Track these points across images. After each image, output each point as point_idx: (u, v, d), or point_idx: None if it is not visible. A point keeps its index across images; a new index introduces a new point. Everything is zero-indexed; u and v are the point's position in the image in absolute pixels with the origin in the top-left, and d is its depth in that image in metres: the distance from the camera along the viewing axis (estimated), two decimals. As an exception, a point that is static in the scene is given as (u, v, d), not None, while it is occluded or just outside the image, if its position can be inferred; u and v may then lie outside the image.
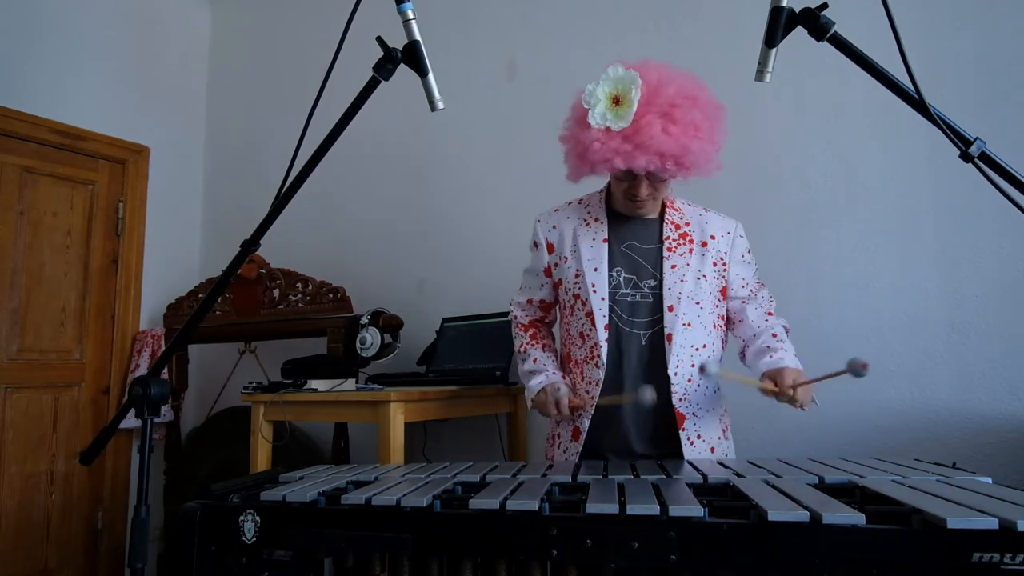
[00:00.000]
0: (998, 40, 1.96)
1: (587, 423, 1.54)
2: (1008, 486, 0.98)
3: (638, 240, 1.57)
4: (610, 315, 1.52)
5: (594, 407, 1.53)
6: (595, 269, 1.54)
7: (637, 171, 1.40)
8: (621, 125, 1.36)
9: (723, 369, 1.44)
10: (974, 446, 1.89)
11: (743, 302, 1.60)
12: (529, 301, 1.73)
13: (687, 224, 1.58)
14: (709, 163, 1.41)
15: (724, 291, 1.59)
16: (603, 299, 1.52)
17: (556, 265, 1.62)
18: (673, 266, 1.53)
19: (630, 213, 1.56)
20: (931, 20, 2.03)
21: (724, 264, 1.58)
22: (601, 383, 1.52)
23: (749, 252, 1.63)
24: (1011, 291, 1.90)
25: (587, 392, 1.54)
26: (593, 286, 1.53)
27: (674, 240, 1.56)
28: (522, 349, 1.69)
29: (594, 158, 1.39)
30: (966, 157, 0.91)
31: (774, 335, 1.54)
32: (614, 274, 1.54)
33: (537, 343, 1.69)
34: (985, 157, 0.91)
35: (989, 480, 1.05)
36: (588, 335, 1.54)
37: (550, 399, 1.53)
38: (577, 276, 1.56)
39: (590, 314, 1.53)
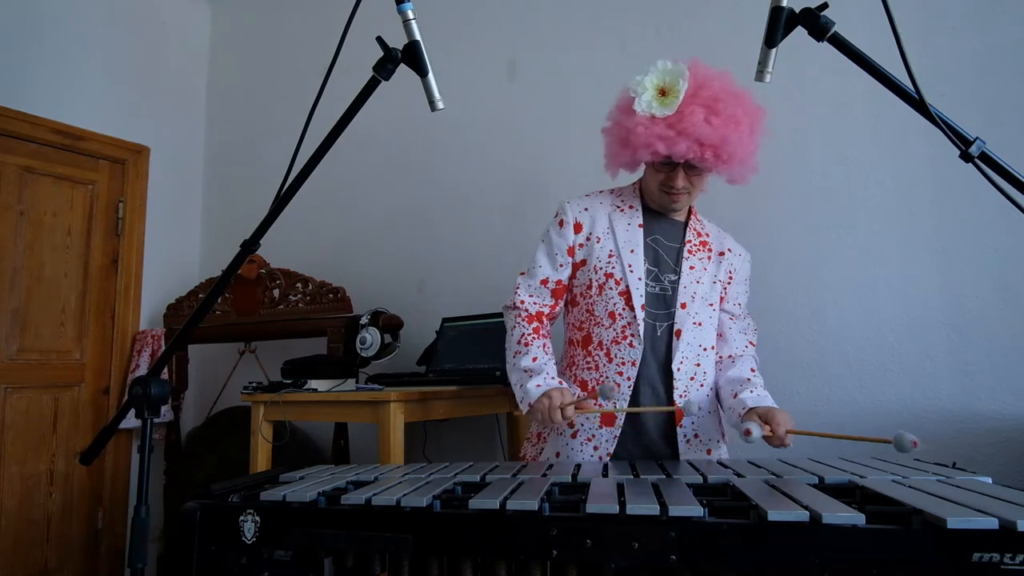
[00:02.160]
0: (998, 40, 1.96)
1: (624, 405, 1.51)
2: (1008, 486, 0.98)
3: (663, 236, 1.60)
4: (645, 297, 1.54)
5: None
6: (631, 251, 1.56)
7: (677, 158, 1.44)
8: (666, 113, 1.41)
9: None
10: (974, 446, 1.89)
11: (731, 318, 1.64)
12: (543, 282, 1.61)
13: (707, 235, 1.65)
14: (746, 160, 1.45)
15: (721, 300, 1.63)
16: (640, 279, 1.53)
17: (582, 245, 1.61)
18: (691, 267, 1.57)
19: (663, 208, 1.59)
20: (931, 20, 2.03)
21: (730, 278, 1.63)
22: (638, 362, 1.50)
23: (748, 281, 1.70)
24: (1011, 291, 1.90)
25: (619, 372, 1.51)
26: (630, 266, 1.54)
27: (695, 244, 1.61)
28: (522, 341, 1.56)
29: (637, 142, 1.44)
30: (966, 157, 0.91)
31: (752, 368, 1.60)
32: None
33: (539, 339, 1.57)
34: (985, 157, 0.91)
35: (989, 480, 1.05)
36: (621, 314, 1.53)
37: (555, 403, 1.41)
38: (611, 256, 1.56)
39: (625, 293, 1.53)
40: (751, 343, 1.65)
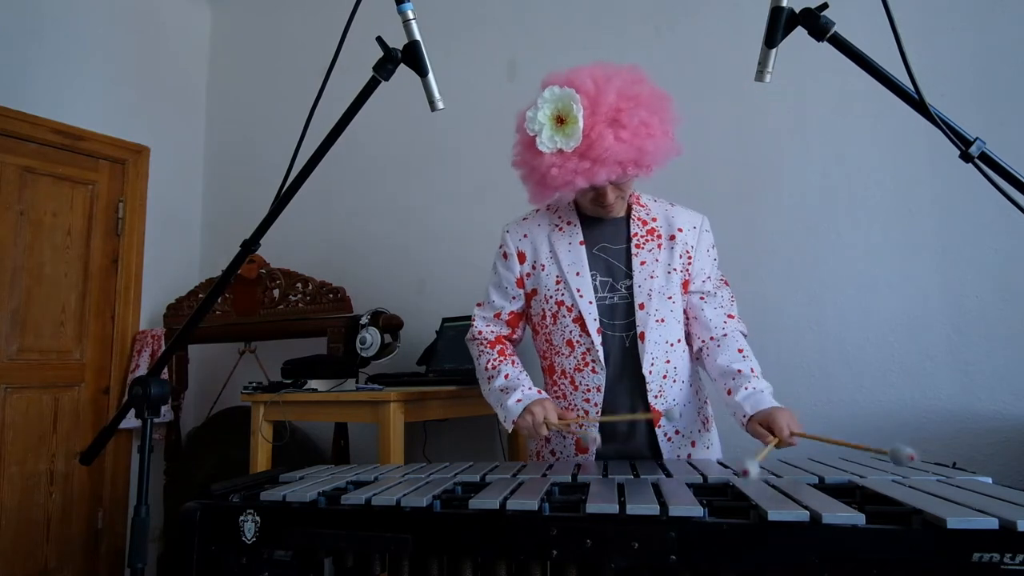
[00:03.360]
0: (998, 40, 1.96)
1: (595, 431, 1.46)
2: (1008, 486, 0.98)
3: (608, 241, 1.55)
4: (600, 318, 1.50)
5: (598, 426, 1.48)
6: (577, 273, 1.51)
7: (600, 185, 1.39)
8: (572, 144, 1.33)
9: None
10: (974, 446, 1.89)
11: (701, 298, 1.56)
12: (497, 315, 1.63)
13: (654, 220, 1.56)
14: (667, 154, 1.37)
15: (686, 284, 1.55)
16: (591, 303, 1.50)
17: (529, 275, 1.58)
18: (642, 263, 1.51)
19: (600, 216, 1.54)
20: (931, 20, 2.03)
21: (689, 257, 1.55)
22: (603, 387, 1.49)
23: (713, 247, 1.60)
24: (1011, 291, 1.90)
25: (586, 399, 1.51)
26: (579, 291, 1.50)
27: (642, 237, 1.54)
28: (490, 366, 1.58)
29: (555, 183, 1.36)
30: (966, 157, 0.91)
31: (740, 350, 1.49)
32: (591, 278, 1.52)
33: (506, 359, 1.58)
34: (985, 157, 0.91)
35: (989, 480, 1.05)
36: (578, 341, 1.51)
37: (538, 418, 1.41)
38: (558, 283, 1.53)
39: (579, 319, 1.50)
40: (730, 316, 1.56)
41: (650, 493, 0.98)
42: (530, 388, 1.51)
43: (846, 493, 1.00)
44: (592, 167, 1.33)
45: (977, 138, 0.91)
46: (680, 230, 1.55)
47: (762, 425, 1.33)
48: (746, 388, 1.41)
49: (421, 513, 0.99)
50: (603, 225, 1.56)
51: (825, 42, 0.96)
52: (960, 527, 0.77)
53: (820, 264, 2.14)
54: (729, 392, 1.44)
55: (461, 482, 1.16)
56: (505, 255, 1.61)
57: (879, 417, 2.01)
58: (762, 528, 0.84)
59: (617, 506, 0.91)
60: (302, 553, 1.06)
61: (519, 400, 1.46)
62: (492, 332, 1.65)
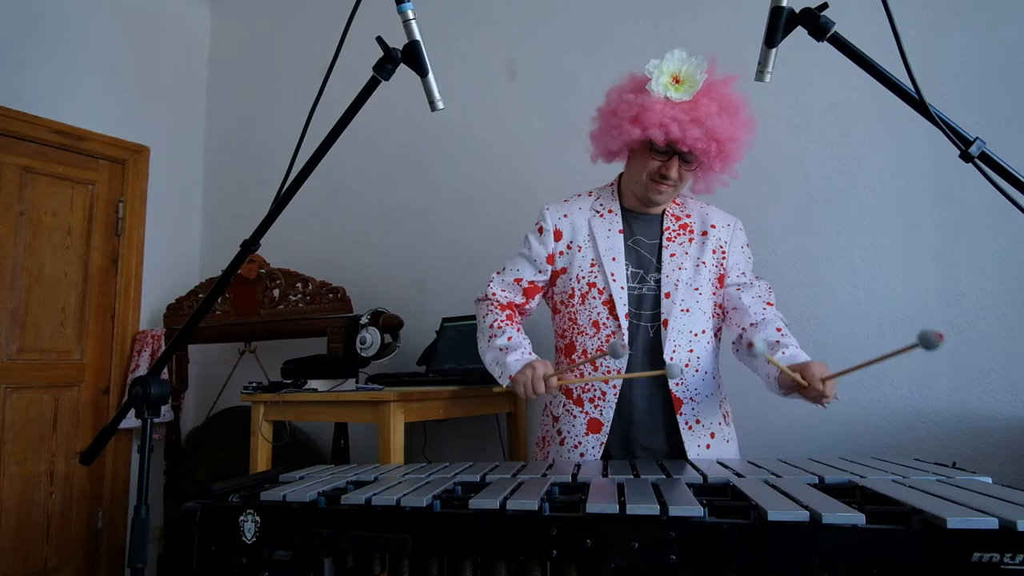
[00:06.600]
0: (998, 40, 1.96)
1: (611, 413, 1.52)
2: (1008, 486, 0.98)
3: (643, 235, 1.60)
4: (628, 306, 1.54)
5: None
6: (613, 259, 1.56)
7: (686, 144, 1.44)
8: (682, 98, 1.43)
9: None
10: (974, 446, 1.89)
11: (738, 288, 1.60)
12: (517, 280, 1.65)
13: (688, 216, 1.63)
14: (735, 164, 1.50)
15: (722, 279, 1.60)
16: (623, 288, 1.54)
17: (562, 253, 1.62)
18: (672, 255, 1.57)
19: (646, 201, 1.58)
20: (931, 20, 2.03)
21: (724, 252, 1.60)
22: (623, 371, 1.52)
23: (747, 246, 1.66)
24: (1011, 291, 1.90)
25: (604, 381, 1.53)
26: (612, 275, 1.54)
27: (674, 231, 1.60)
28: (496, 325, 1.58)
29: (651, 120, 1.43)
30: (966, 157, 0.91)
31: (778, 328, 1.50)
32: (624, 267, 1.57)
33: (512, 324, 1.60)
34: (985, 157, 0.91)
35: (989, 480, 1.05)
36: (605, 323, 1.54)
37: (538, 373, 1.41)
38: (593, 265, 1.57)
39: (608, 302, 1.54)
40: (769, 303, 1.59)
41: (650, 493, 0.98)
42: (531, 352, 1.53)
43: (846, 493, 1.00)
44: (690, 123, 1.42)
45: (977, 138, 0.91)
46: (713, 227, 1.61)
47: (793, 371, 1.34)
48: (784, 352, 1.43)
49: (421, 513, 0.99)
50: (640, 219, 1.62)
51: (825, 42, 0.96)
52: (960, 527, 0.77)
53: (820, 264, 2.14)
54: (768, 361, 1.43)
55: (461, 482, 1.16)
56: (541, 230, 1.65)
57: (879, 417, 2.01)
58: (762, 528, 0.84)
59: (617, 506, 0.91)
60: (302, 553, 1.06)
61: (518, 359, 1.49)
62: (506, 296, 1.68)
